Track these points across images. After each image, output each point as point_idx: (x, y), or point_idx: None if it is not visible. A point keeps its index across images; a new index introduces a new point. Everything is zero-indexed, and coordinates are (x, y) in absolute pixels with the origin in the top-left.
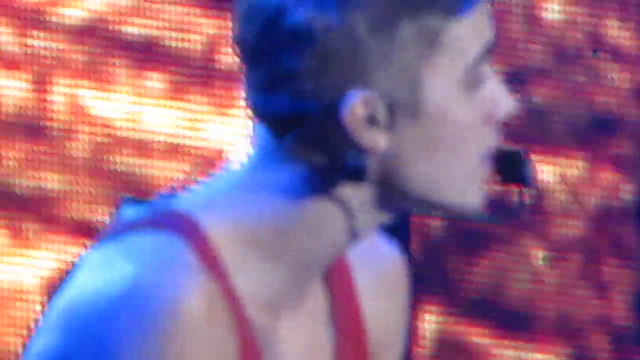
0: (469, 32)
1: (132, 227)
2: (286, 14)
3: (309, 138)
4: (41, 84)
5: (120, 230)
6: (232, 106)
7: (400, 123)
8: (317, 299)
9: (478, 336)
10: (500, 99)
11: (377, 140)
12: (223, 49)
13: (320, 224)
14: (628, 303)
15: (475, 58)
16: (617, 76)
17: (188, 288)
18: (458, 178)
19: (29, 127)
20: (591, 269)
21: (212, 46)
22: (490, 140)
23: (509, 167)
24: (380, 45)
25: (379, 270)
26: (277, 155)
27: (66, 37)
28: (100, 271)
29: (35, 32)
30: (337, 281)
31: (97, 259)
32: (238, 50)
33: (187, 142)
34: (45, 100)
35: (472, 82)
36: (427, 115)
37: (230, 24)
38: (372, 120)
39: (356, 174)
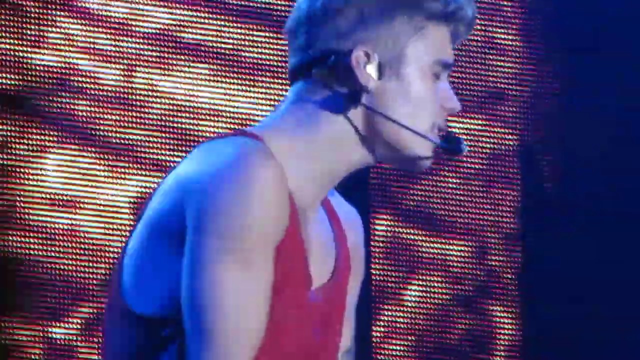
0: (441, 39)
1: (222, 135)
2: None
3: (327, 74)
4: (128, 72)
5: (214, 139)
6: (255, 86)
7: (386, 76)
8: (324, 218)
9: (413, 235)
10: (451, 97)
11: (369, 80)
12: (246, 48)
13: (336, 141)
14: (513, 213)
15: (441, 59)
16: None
17: (269, 165)
18: (418, 126)
19: (120, 100)
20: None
21: (239, 46)
22: (440, 119)
23: (451, 142)
24: (380, 24)
25: (348, 214)
26: (305, 93)
27: (144, 40)
28: (209, 154)
29: (124, 37)
30: (330, 210)
31: (202, 151)
32: (287, 30)
33: (223, 109)
34: (131, 84)
35: (435, 74)
36: (404, 77)
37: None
38: (367, 67)
39: (353, 99)
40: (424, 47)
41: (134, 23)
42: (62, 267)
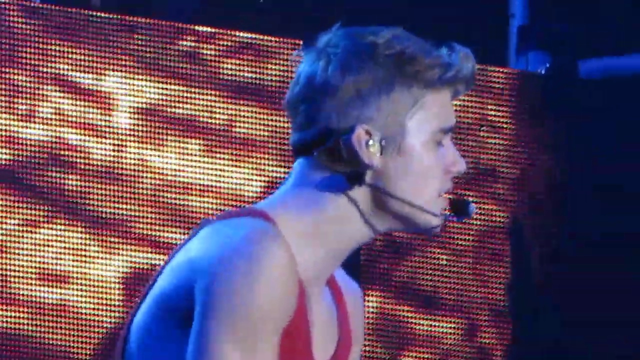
0: (440, 105)
1: (233, 215)
2: (317, 74)
3: (330, 155)
4: (119, 147)
5: (224, 217)
6: (245, 161)
7: (388, 152)
8: (328, 294)
9: (403, 312)
10: (456, 161)
11: (372, 158)
12: (237, 124)
13: (341, 221)
14: (503, 290)
15: (442, 127)
16: (495, 142)
17: (280, 248)
18: (424, 200)
19: (110, 174)
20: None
21: (230, 121)
22: (446, 185)
23: (459, 205)
24: (379, 99)
25: (352, 292)
26: (309, 171)
27: (135, 115)
28: (220, 235)
29: (115, 112)
30: (334, 288)
31: (214, 231)
32: (287, 107)
33: (214, 184)
34: (122, 158)
35: (437, 142)
36: (406, 151)
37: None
38: (369, 146)
39: (358, 179)
40: (425, 117)
41: (124, 97)
42: (52, 342)
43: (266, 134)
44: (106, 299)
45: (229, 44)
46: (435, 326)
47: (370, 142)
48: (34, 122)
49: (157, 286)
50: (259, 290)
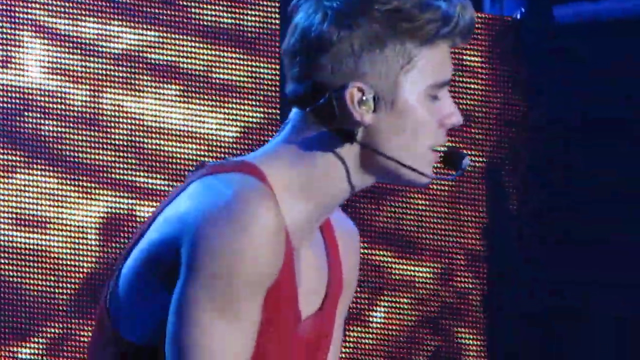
0: (436, 60)
1: (222, 169)
2: (313, 28)
3: (323, 111)
4: (96, 92)
5: (214, 171)
6: (223, 107)
7: (381, 109)
8: (319, 242)
9: (381, 257)
10: (451, 113)
11: (364, 115)
12: (214, 70)
13: (331, 175)
14: (480, 235)
15: (437, 82)
16: (471, 86)
17: (267, 208)
18: (414, 156)
19: (87, 120)
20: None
21: (207, 67)
22: (440, 138)
23: (453, 158)
24: (373, 56)
25: (347, 234)
26: (303, 125)
27: (112, 61)
28: (208, 192)
29: (92, 58)
30: (327, 233)
31: (203, 186)
32: (283, 53)
33: (192, 130)
34: (99, 104)
35: (432, 96)
36: (399, 107)
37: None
38: (362, 102)
39: (349, 136)
40: (418, 74)
41: (101, 43)
42: (29, 287)
43: (244, 79)
44: (84, 244)
45: None
46: (412, 271)
47: (363, 99)
48: (10, 69)
49: (146, 237)
50: (243, 255)
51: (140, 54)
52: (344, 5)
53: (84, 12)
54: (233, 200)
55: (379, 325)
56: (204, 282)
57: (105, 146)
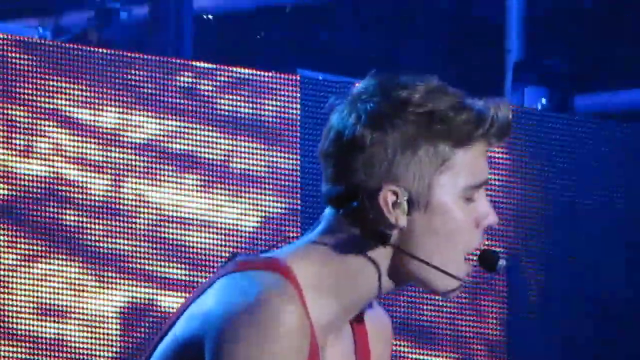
0: (471, 162)
1: (250, 266)
2: (347, 131)
3: (356, 214)
4: (117, 182)
5: (241, 268)
6: (242, 197)
7: (415, 211)
8: (348, 334)
9: (400, 347)
10: (487, 214)
11: (399, 218)
12: (234, 159)
13: (361, 277)
14: (498, 325)
15: (471, 184)
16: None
17: (291, 309)
18: (449, 258)
19: (108, 210)
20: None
21: (227, 157)
22: (476, 240)
23: (488, 259)
24: (407, 158)
25: (379, 325)
26: (336, 225)
27: (132, 150)
28: (234, 290)
29: (112, 147)
30: (358, 328)
31: (229, 284)
32: (319, 154)
33: (211, 219)
34: (119, 194)
35: (467, 197)
36: (433, 209)
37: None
38: (396, 205)
39: (383, 239)
40: (453, 175)
41: (122, 133)
42: None
43: (263, 169)
44: (104, 333)
45: (226, 79)
46: None
47: (397, 202)
48: (32, 158)
49: (172, 332)
50: (266, 354)
51: (161, 144)
52: (378, 107)
53: (105, 102)
54: (257, 301)
55: None
56: None
57: (125, 236)
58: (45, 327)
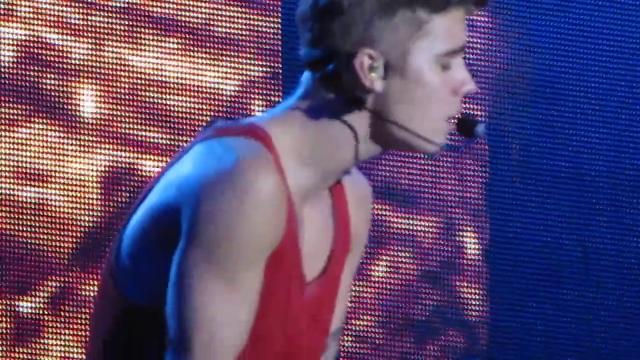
0: (448, 28)
1: (227, 132)
2: None
3: (333, 78)
4: (97, 45)
5: (219, 134)
6: (224, 60)
7: (391, 76)
8: (326, 200)
9: (382, 210)
10: (465, 81)
11: (374, 83)
12: (215, 23)
13: (338, 142)
14: (480, 189)
15: (448, 50)
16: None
17: (268, 176)
18: (425, 125)
19: (88, 73)
20: None
21: (208, 20)
22: (453, 107)
23: (467, 125)
24: (383, 23)
25: (359, 190)
26: (313, 91)
27: (113, 14)
28: (210, 157)
29: (93, 11)
30: (337, 192)
31: (205, 151)
32: (297, 19)
33: (192, 83)
34: (100, 57)
35: (444, 64)
36: (409, 75)
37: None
38: (372, 69)
39: (358, 103)
40: (429, 41)
41: None
42: (30, 241)
43: (244, 32)
44: (85, 197)
45: None
46: (413, 225)
47: (373, 66)
48: (11, 21)
49: (149, 198)
50: (242, 222)
51: (142, 7)
52: None
53: None
54: (233, 167)
55: (379, 280)
56: (202, 249)
57: (106, 99)
58: (26, 191)
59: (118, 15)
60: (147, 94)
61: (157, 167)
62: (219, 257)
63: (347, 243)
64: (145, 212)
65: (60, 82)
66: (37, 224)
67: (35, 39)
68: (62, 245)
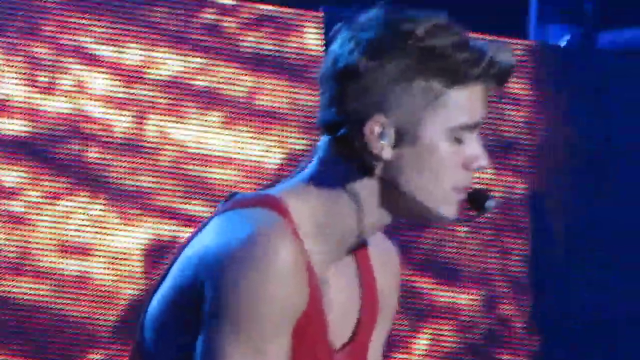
0: (465, 102)
1: (244, 204)
2: (343, 57)
3: (344, 142)
4: (140, 119)
5: (236, 206)
6: (266, 134)
7: (402, 145)
8: (351, 267)
9: (424, 284)
10: (477, 157)
11: (383, 150)
12: (258, 97)
13: (349, 209)
14: (522, 262)
15: (462, 124)
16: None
17: (286, 245)
18: (435, 195)
19: (131, 147)
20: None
21: (251, 94)
22: (464, 180)
23: (477, 199)
24: (398, 91)
25: (384, 255)
26: (327, 156)
27: (155, 87)
28: (228, 229)
29: (136, 85)
30: (362, 259)
31: (223, 223)
32: (318, 81)
33: (235, 156)
34: (143, 130)
35: (458, 137)
36: (420, 145)
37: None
38: (382, 136)
39: (368, 170)
40: (444, 113)
41: (146, 70)
42: (72, 314)
43: (286, 106)
44: (127, 271)
45: (249, 16)
46: (455, 298)
47: (384, 133)
48: (55, 95)
49: (170, 277)
50: (263, 292)
51: (184, 81)
52: (378, 37)
53: (128, 39)
54: (251, 238)
55: (421, 352)
56: (227, 321)
57: (148, 173)
58: (68, 264)
59: (161, 89)
60: (189, 167)
61: None
62: (245, 328)
63: (375, 308)
64: (168, 287)
65: (103, 155)
66: (79, 297)
67: (78, 112)
68: (103, 317)
